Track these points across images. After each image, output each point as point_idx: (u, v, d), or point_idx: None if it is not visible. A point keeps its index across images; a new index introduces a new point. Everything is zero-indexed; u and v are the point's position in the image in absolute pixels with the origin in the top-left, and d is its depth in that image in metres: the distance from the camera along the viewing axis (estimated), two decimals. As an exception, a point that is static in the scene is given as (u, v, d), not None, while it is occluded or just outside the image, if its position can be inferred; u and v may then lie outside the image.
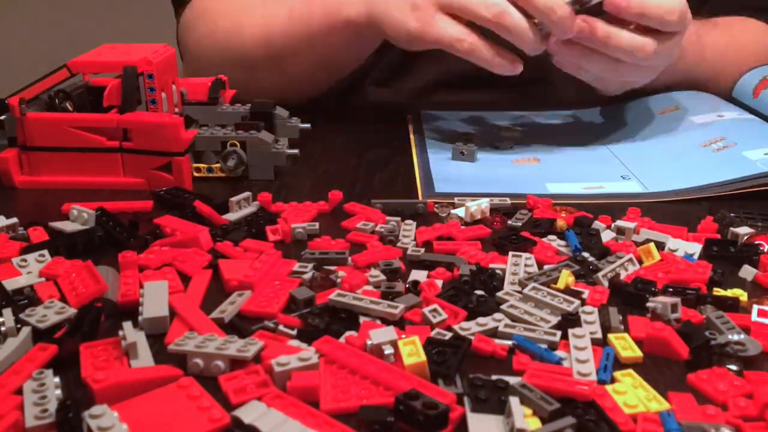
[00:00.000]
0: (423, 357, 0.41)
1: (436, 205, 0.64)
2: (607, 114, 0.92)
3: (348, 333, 0.45)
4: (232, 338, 0.43)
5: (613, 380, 0.41)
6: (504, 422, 0.38)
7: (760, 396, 0.39)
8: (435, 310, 0.47)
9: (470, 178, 0.72)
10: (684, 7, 0.74)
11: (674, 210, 0.64)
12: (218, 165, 0.71)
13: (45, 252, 0.54)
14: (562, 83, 0.97)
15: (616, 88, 0.84)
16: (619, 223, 0.59)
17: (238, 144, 0.70)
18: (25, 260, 0.53)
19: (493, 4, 0.70)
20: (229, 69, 0.84)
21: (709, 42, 0.92)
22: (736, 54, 0.94)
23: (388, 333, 0.43)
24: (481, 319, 0.46)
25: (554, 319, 0.46)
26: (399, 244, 0.57)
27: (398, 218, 0.60)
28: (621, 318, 0.46)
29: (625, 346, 0.44)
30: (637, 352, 0.43)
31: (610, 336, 0.45)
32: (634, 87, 0.83)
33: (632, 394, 0.40)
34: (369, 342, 0.43)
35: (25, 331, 0.44)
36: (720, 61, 0.93)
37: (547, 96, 0.98)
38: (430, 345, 0.43)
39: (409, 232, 0.58)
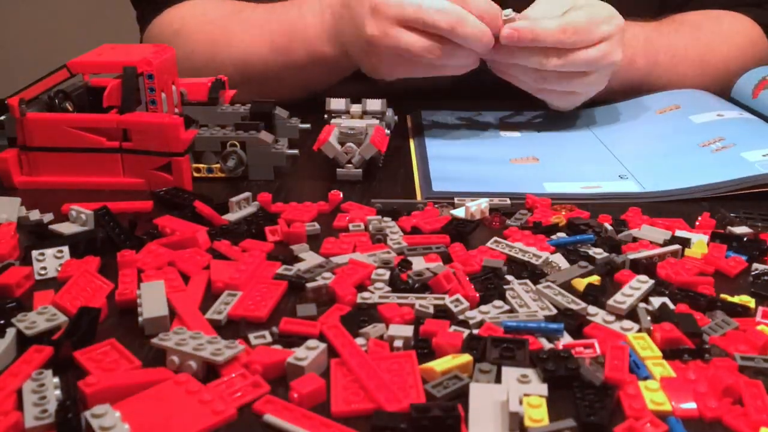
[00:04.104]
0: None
1: (436, 205, 0.64)
2: (606, 113, 0.91)
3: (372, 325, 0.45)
4: (215, 339, 0.43)
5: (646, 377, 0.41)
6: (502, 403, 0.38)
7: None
8: (457, 299, 0.48)
9: (469, 178, 0.72)
10: (587, 20, 0.76)
11: (673, 210, 0.64)
12: (218, 165, 0.71)
13: (63, 248, 0.54)
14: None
15: (563, 102, 0.85)
16: (623, 235, 0.59)
17: (238, 144, 0.70)
18: (42, 254, 0.54)
19: (450, 12, 0.73)
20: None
21: (663, 44, 0.91)
22: (699, 56, 0.93)
23: (405, 330, 0.44)
24: (483, 307, 0.47)
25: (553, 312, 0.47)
26: (389, 241, 0.57)
27: (380, 216, 0.61)
28: (650, 319, 0.46)
29: (644, 345, 0.44)
30: (656, 352, 0.43)
31: (630, 335, 0.45)
32: (583, 100, 0.84)
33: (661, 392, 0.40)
34: (386, 334, 0.44)
35: (11, 334, 0.44)
36: (679, 63, 0.92)
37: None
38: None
39: (394, 228, 0.59)
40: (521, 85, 0.82)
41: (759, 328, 0.45)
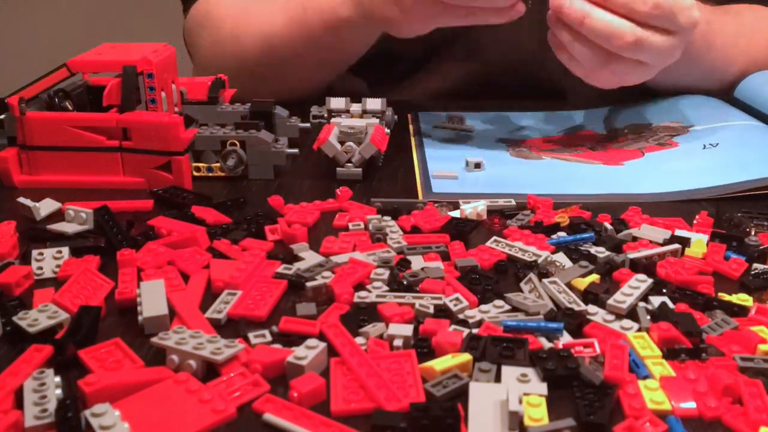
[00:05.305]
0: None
1: (436, 205, 0.64)
2: (607, 117, 0.91)
3: (371, 325, 0.45)
4: (214, 338, 0.43)
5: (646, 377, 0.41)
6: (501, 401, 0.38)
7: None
8: (457, 299, 0.48)
9: (470, 178, 0.72)
10: (683, 4, 0.70)
11: (673, 209, 0.64)
12: (218, 164, 0.71)
13: (63, 249, 0.54)
14: (573, 95, 0.97)
15: (607, 83, 0.78)
16: (623, 234, 0.59)
17: (238, 143, 0.70)
18: (42, 254, 0.54)
19: None
20: (234, 76, 0.85)
21: (718, 28, 0.89)
22: (747, 41, 0.93)
23: (405, 329, 0.44)
24: (483, 306, 0.47)
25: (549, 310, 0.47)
26: (389, 240, 0.57)
27: (379, 216, 0.61)
28: (650, 318, 0.47)
29: (644, 345, 0.44)
30: (656, 351, 0.43)
31: (629, 335, 0.45)
32: (628, 84, 0.78)
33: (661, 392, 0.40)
34: (386, 333, 0.45)
35: None
36: (731, 49, 0.91)
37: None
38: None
39: (394, 227, 0.59)
40: (576, 65, 0.75)
41: (754, 328, 0.45)
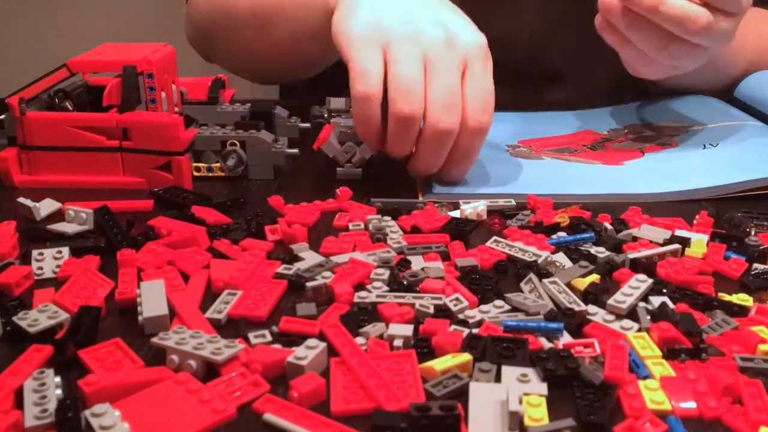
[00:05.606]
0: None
1: (436, 205, 0.64)
2: (609, 115, 0.91)
3: (371, 325, 0.45)
4: (214, 338, 0.43)
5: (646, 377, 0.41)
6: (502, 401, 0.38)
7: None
8: (457, 299, 0.48)
9: (470, 178, 0.71)
10: None
11: (673, 209, 0.64)
12: (218, 164, 0.71)
13: (63, 249, 0.54)
14: (573, 85, 0.97)
15: (660, 70, 0.76)
16: (623, 234, 0.59)
17: (238, 143, 0.70)
18: (42, 254, 0.54)
19: (413, 99, 0.62)
20: (217, 29, 0.85)
21: (752, 29, 0.89)
22: (753, 43, 0.92)
23: (405, 329, 0.44)
24: (483, 306, 0.47)
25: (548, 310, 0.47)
26: (389, 240, 0.57)
27: (379, 216, 0.61)
28: (650, 318, 0.46)
29: (644, 345, 0.44)
30: (656, 351, 0.43)
31: (629, 335, 0.45)
32: (678, 73, 0.76)
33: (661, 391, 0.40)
34: (386, 333, 0.45)
35: None
36: (738, 50, 0.90)
37: (556, 98, 0.98)
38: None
39: (394, 227, 0.59)
40: (630, 51, 0.74)
41: (754, 328, 0.45)
